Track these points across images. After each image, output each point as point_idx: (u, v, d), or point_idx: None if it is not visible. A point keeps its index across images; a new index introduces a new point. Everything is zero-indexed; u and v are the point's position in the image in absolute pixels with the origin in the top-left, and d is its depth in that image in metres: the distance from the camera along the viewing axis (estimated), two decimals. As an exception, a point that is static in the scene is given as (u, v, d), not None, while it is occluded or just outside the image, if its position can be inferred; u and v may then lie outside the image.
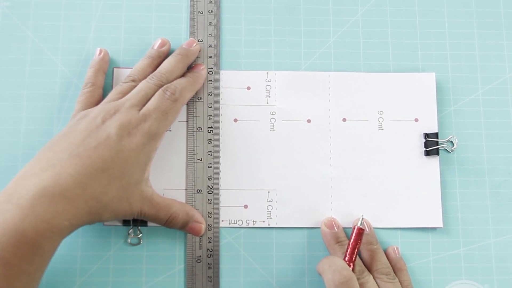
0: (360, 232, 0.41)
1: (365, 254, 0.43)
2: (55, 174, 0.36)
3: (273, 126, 0.46)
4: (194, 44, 0.45)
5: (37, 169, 0.36)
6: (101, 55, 0.45)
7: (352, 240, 0.41)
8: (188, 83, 0.43)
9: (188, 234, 0.44)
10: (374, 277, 0.42)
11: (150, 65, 0.44)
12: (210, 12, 0.47)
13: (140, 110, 0.40)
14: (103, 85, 0.45)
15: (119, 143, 0.38)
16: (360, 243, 0.41)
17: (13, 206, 0.34)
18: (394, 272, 0.43)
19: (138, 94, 0.41)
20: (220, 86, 0.46)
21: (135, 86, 0.42)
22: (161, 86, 0.42)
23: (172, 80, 0.43)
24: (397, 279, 0.42)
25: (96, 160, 0.37)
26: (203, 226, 0.43)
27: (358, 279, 0.39)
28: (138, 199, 0.40)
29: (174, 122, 0.43)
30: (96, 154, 0.37)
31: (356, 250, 0.41)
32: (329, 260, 0.40)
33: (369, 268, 0.42)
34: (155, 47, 0.45)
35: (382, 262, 0.42)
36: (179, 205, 0.42)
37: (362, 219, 0.42)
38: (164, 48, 0.45)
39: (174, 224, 0.42)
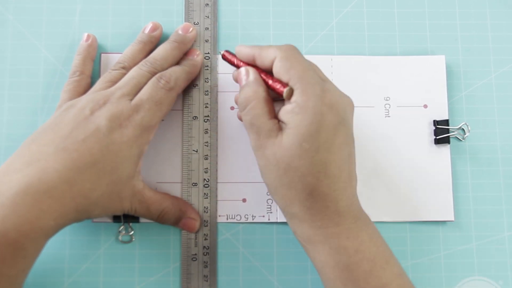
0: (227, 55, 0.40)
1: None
2: (40, 169, 0.34)
3: (272, 114, 0.44)
4: (191, 30, 0.44)
5: (19, 164, 0.35)
6: (89, 41, 0.44)
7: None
8: (184, 71, 0.42)
9: (183, 231, 0.43)
10: None
11: (141, 51, 0.43)
12: (206, -7, 0.46)
13: (131, 99, 0.39)
14: (91, 73, 0.44)
15: (110, 135, 0.37)
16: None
17: (-6, 205, 0.33)
18: None
19: (130, 83, 0.40)
20: (216, 72, 0.45)
21: (125, 74, 0.41)
22: (155, 74, 0.41)
23: (166, 68, 0.42)
24: None
25: (84, 153, 0.36)
26: (197, 222, 0.43)
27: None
28: (129, 193, 0.39)
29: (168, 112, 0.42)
30: (84, 147, 0.36)
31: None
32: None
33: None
34: (146, 32, 0.44)
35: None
36: (172, 200, 0.42)
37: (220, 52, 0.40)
38: (156, 33, 0.44)
39: (166, 220, 0.41)
